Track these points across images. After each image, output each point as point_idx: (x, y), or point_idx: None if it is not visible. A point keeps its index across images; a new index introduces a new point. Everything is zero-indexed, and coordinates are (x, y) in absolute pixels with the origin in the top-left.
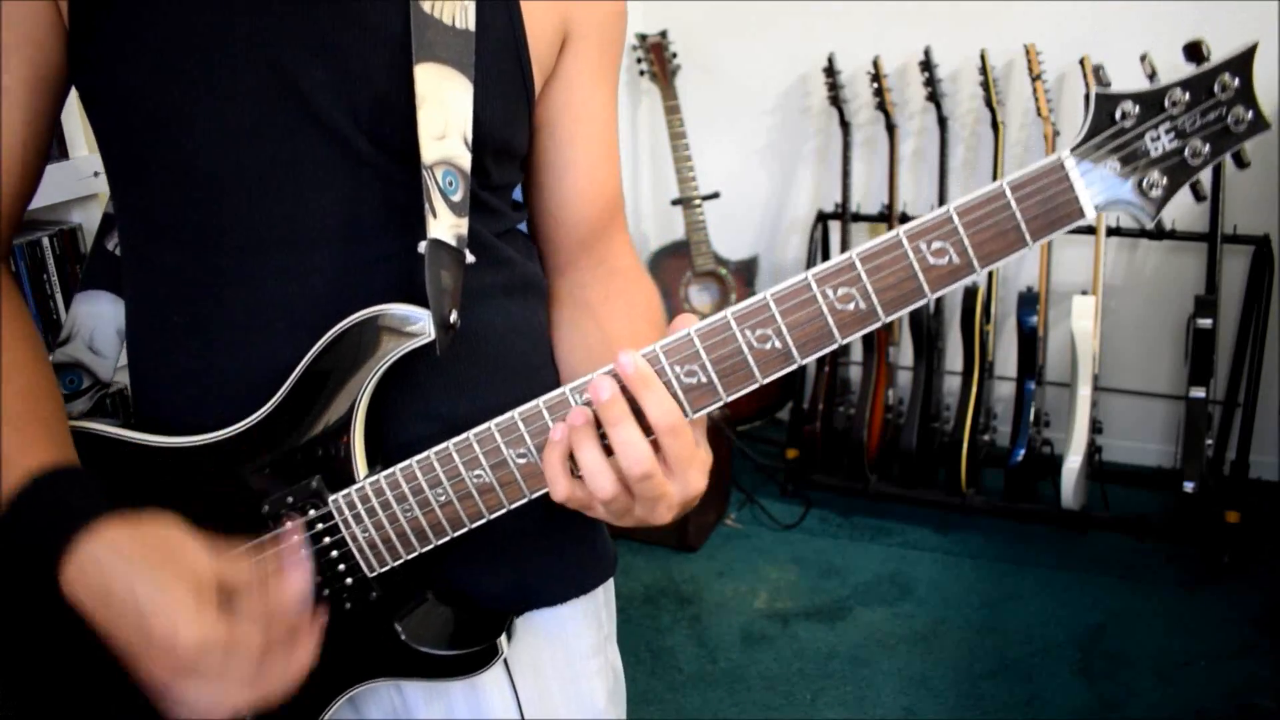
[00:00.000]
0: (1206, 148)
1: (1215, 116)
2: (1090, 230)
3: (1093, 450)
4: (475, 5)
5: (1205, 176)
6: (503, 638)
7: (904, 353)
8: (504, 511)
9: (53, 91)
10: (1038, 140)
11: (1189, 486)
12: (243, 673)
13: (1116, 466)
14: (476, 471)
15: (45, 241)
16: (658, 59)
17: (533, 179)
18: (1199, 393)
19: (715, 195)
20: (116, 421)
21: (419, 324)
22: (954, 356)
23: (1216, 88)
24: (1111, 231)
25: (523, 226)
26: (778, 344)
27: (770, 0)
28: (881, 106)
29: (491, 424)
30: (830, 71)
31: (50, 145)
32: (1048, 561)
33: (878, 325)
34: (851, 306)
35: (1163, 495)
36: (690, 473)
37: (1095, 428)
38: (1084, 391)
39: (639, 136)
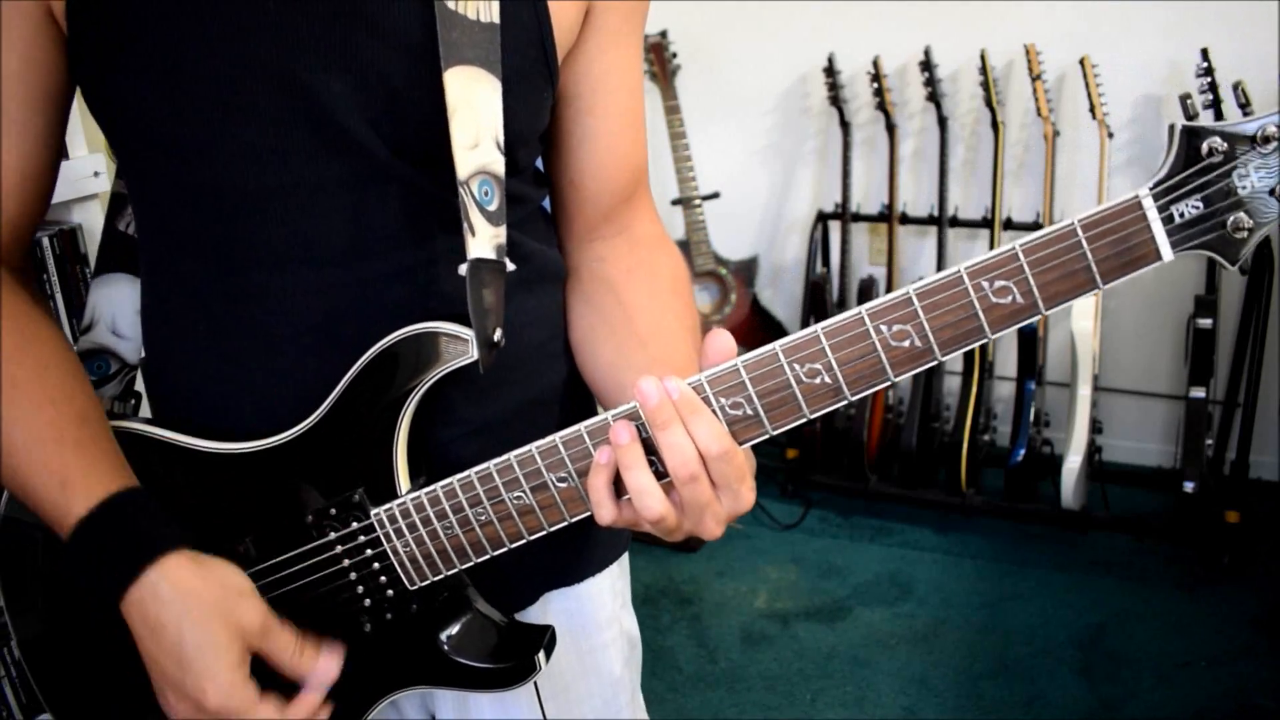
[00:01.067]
0: None
1: None
2: None
3: (1093, 450)
4: None
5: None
6: (540, 654)
7: None
8: (543, 534)
9: (55, 110)
10: (1038, 140)
11: (1189, 486)
12: None
13: (1116, 466)
14: (516, 493)
15: (45, 241)
16: (658, 59)
17: (553, 149)
18: (1199, 393)
19: (715, 195)
20: (158, 422)
21: (464, 343)
22: (954, 356)
23: None
24: None
25: (546, 204)
26: (827, 379)
27: (770, 0)
28: (881, 106)
29: (532, 446)
30: (830, 71)
31: (59, 162)
32: (1048, 561)
33: (933, 364)
34: (907, 344)
35: (1163, 495)
36: (741, 488)
37: (1095, 428)
38: (1084, 391)
39: None
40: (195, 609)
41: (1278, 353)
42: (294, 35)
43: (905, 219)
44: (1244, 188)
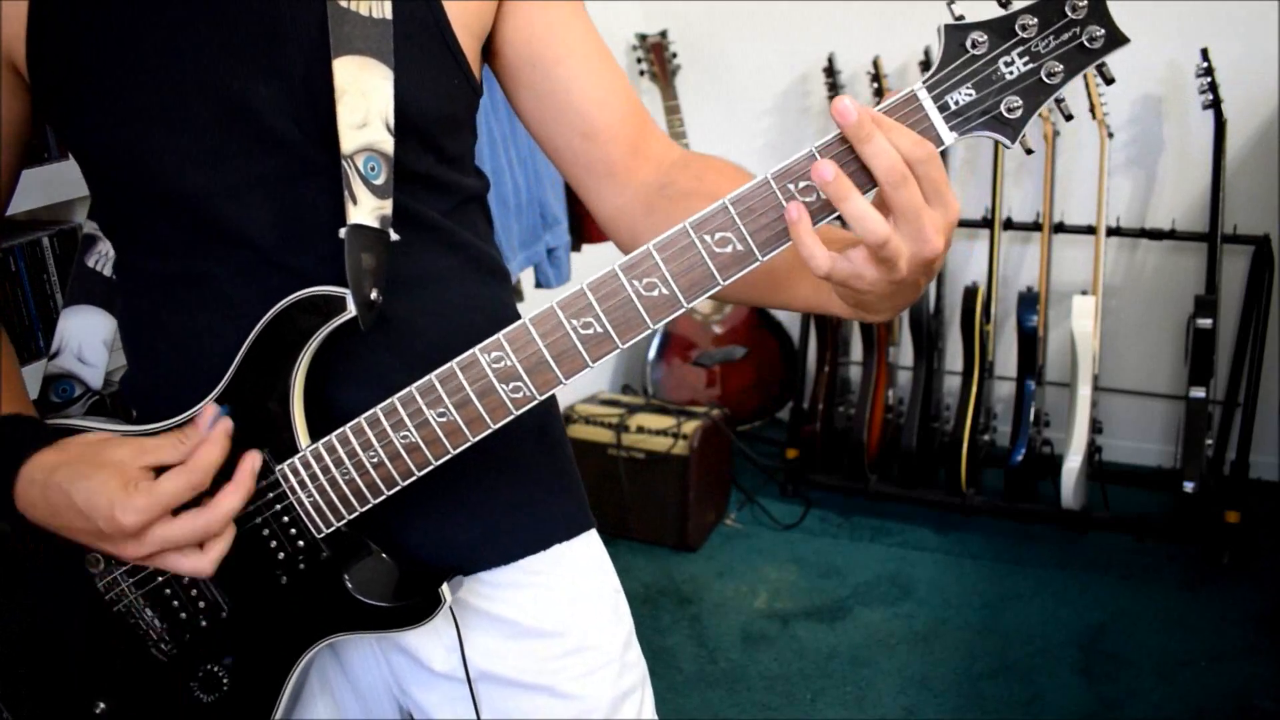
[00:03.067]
0: (1061, 66)
1: (1069, 36)
2: (1090, 230)
3: (1093, 450)
4: None
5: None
6: (444, 587)
7: (904, 353)
8: (430, 469)
9: (15, 149)
10: (1037, 140)
11: (1189, 486)
12: (187, 520)
13: (1116, 466)
14: (403, 432)
15: (45, 241)
16: (658, 59)
17: (545, 114)
18: (1199, 393)
19: None
20: (90, 418)
21: (343, 303)
22: (954, 356)
23: (1067, 8)
24: (1111, 231)
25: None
26: (664, 290)
27: (770, 0)
28: None
29: (412, 387)
30: (830, 71)
31: (13, 190)
32: (1048, 561)
33: (756, 264)
34: (729, 249)
35: (1163, 495)
36: (947, 193)
37: (1095, 428)
38: (1084, 391)
39: None
40: (66, 472)
41: (1278, 353)
42: (222, 49)
43: None
44: (1010, 73)
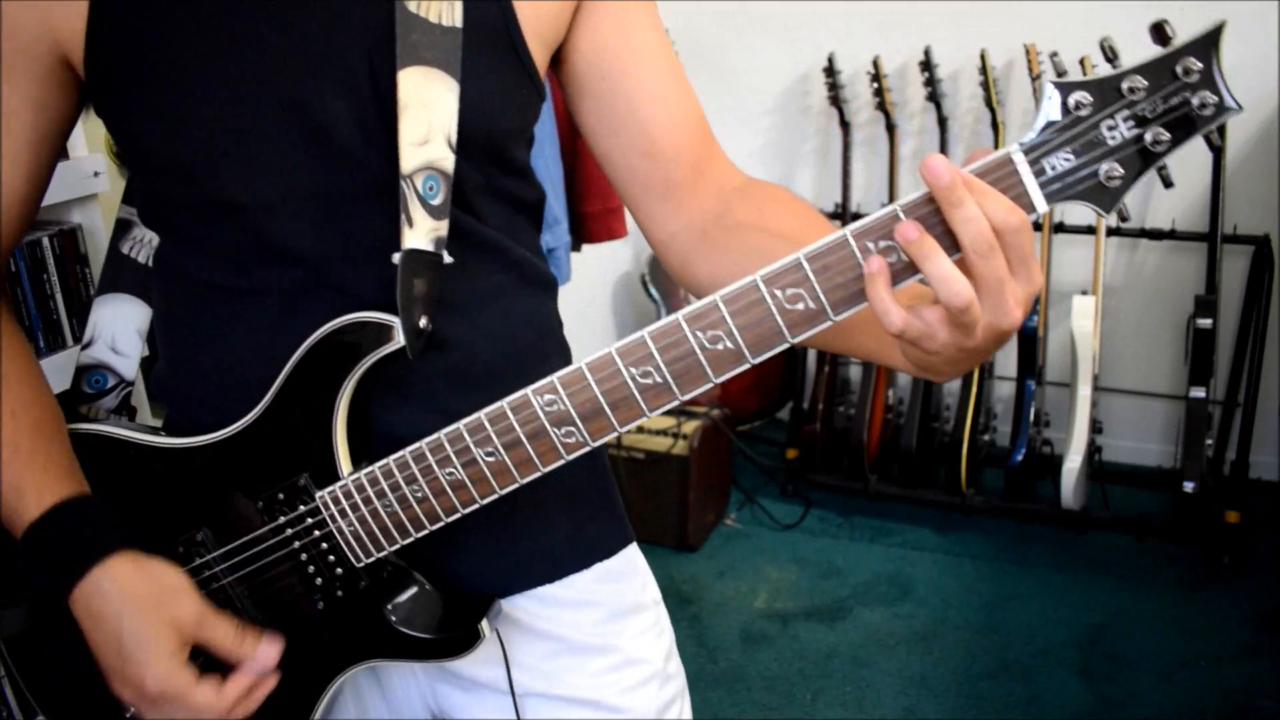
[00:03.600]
0: (1169, 135)
1: (1178, 101)
2: (1090, 230)
3: (1093, 450)
4: (463, 1)
5: (1173, 162)
6: (484, 622)
7: None
8: (476, 507)
9: (49, 150)
10: None
11: (1189, 486)
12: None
13: (1116, 466)
14: (449, 470)
15: (45, 241)
16: None
17: (607, 127)
18: (1199, 393)
19: None
20: (123, 423)
21: (391, 331)
22: None
23: (1179, 70)
24: (1111, 231)
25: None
26: (729, 344)
27: (770, 0)
28: (881, 106)
29: (460, 424)
30: (830, 71)
31: (44, 193)
32: (1048, 561)
33: (828, 324)
34: (800, 306)
35: (1163, 495)
36: (1033, 265)
37: (1095, 428)
38: (1084, 391)
39: None
40: (132, 604)
41: (1278, 353)
42: (291, 57)
43: None
44: (1112, 139)
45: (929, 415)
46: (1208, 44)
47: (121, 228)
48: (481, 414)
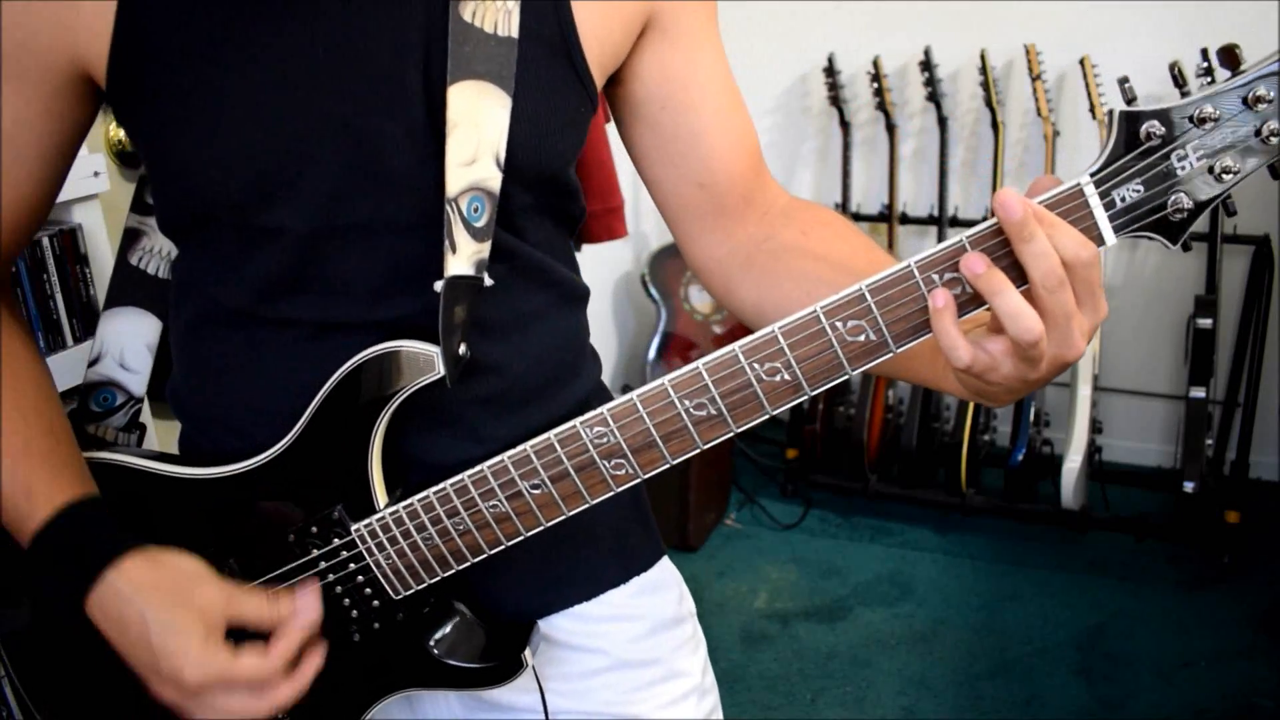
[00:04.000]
0: (1237, 164)
1: (1248, 131)
2: None
3: (1093, 450)
4: (520, 7)
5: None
6: (527, 651)
7: None
8: (520, 540)
9: (62, 159)
10: (1038, 140)
11: (1189, 486)
12: (245, 700)
13: (1116, 466)
14: (492, 502)
15: (45, 241)
16: None
17: (663, 156)
18: (1199, 393)
19: None
20: (141, 452)
21: (430, 360)
22: None
23: (1249, 98)
24: None
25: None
26: (787, 376)
27: (770, 0)
28: (881, 106)
29: (504, 456)
30: (830, 71)
31: (54, 201)
32: (1048, 562)
33: (889, 356)
34: (862, 338)
35: (1163, 495)
36: (1099, 295)
37: (1095, 428)
38: (1084, 391)
39: None
40: (154, 599)
41: (1278, 353)
42: (343, 78)
43: (905, 219)
44: (1182, 168)
45: (929, 415)
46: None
47: (130, 237)
48: (527, 446)
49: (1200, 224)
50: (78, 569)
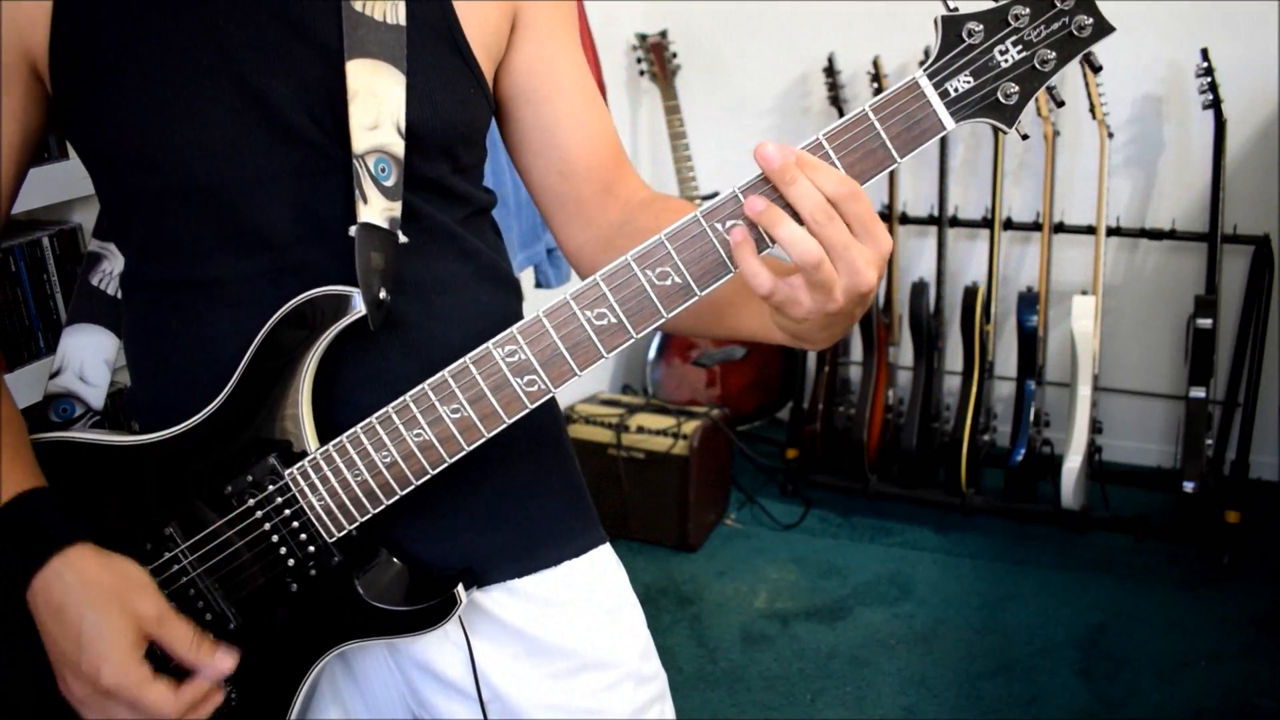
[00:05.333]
0: (1053, 54)
1: (1059, 25)
2: (1090, 230)
3: (1093, 450)
4: (406, 2)
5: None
6: (459, 588)
7: (904, 353)
8: (444, 466)
9: (29, 155)
10: (1037, 140)
11: (1189, 486)
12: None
13: (1116, 466)
14: (416, 430)
15: (45, 241)
16: (658, 59)
17: (528, 147)
18: (1199, 393)
19: (715, 195)
20: (87, 429)
21: (351, 303)
22: (954, 356)
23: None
24: (1112, 231)
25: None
26: (677, 279)
27: (770, 0)
28: None
29: (425, 384)
30: (830, 71)
31: (17, 194)
32: (1048, 561)
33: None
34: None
35: (1163, 495)
36: (875, 227)
37: (1095, 428)
38: (1084, 391)
39: (639, 136)
40: (95, 595)
41: (1278, 353)
42: (243, 45)
43: (905, 219)
44: (1005, 61)
45: (929, 415)
46: None
47: (92, 260)
48: (444, 372)
49: (1200, 224)
50: (26, 552)
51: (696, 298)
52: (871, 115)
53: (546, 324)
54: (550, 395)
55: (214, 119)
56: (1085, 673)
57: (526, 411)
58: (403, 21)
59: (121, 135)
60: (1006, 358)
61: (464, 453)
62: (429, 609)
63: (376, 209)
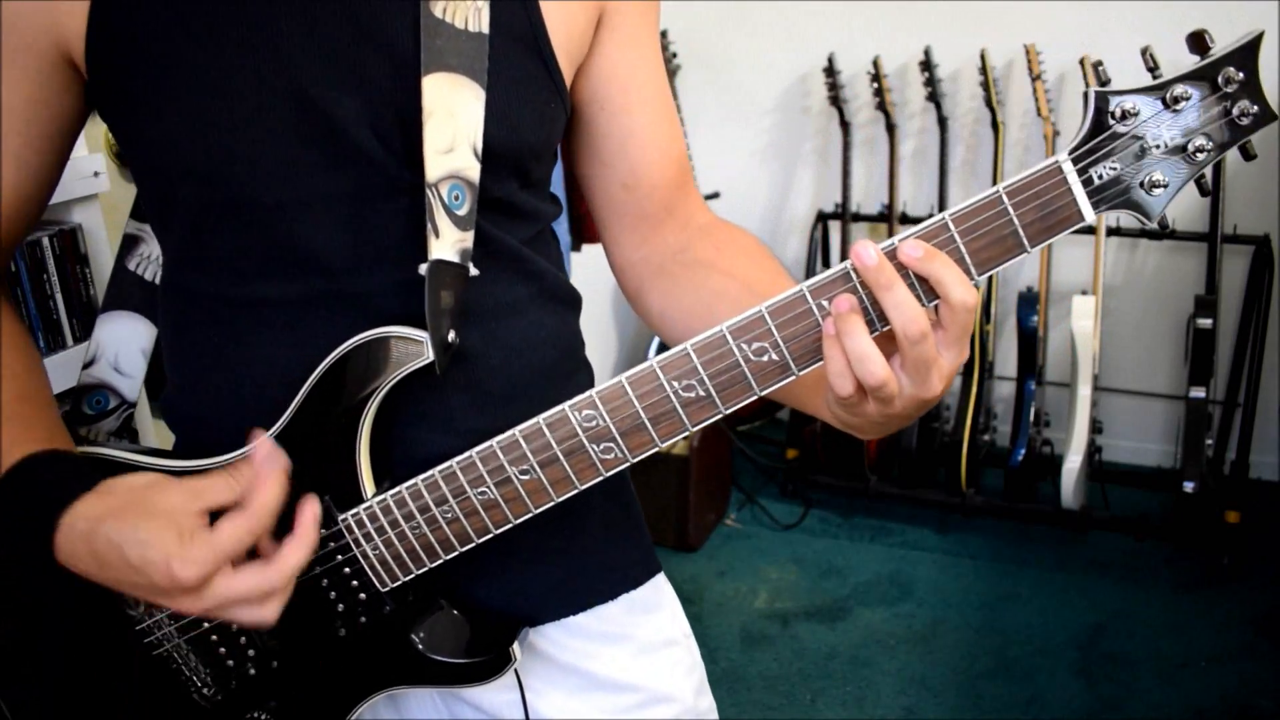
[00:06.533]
0: (1210, 143)
1: (1220, 110)
2: (1090, 230)
3: (1093, 450)
4: (489, 5)
5: (1208, 171)
6: (515, 645)
7: None
8: (510, 527)
9: (54, 150)
10: (1037, 140)
11: (1189, 486)
12: (252, 573)
13: (1116, 466)
14: (481, 489)
15: (45, 241)
16: None
17: (596, 155)
18: (1199, 393)
19: (715, 195)
20: (130, 446)
21: (420, 346)
22: None
23: (1220, 80)
24: (1111, 231)
25: (561, 231)
26: (774, 356)
27: (770, 0)
28: (881, 106)
29: (493, 442)
30: (830, 71)
31: (51, 194)
32: (1047, 561)
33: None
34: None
35: (1163, 495)
36: (965, 340)
37: (1095, 428)
38: (1084, 391)
39: None
40: (116, 523)
41: (1278, 353)
42: (306, 53)
43: (905, 219)
44: (1157, 147)
45: (929, 415)
46: (1248, 53)
47: (128, 243)
48: (516, 431)
49: (1200, 224)
50: (37, 516)
51: (793, 377)
52: (1005, 199)
53: (630, 392)
54: (628, 465)
55: (265, 131)
56: (1085, 673)
57: (600, 479)
58: (486, 29)
59: (162, 139)
60: (1006, 358)
61: (529, 516)
62: (483, 663)
63: (449, 242)
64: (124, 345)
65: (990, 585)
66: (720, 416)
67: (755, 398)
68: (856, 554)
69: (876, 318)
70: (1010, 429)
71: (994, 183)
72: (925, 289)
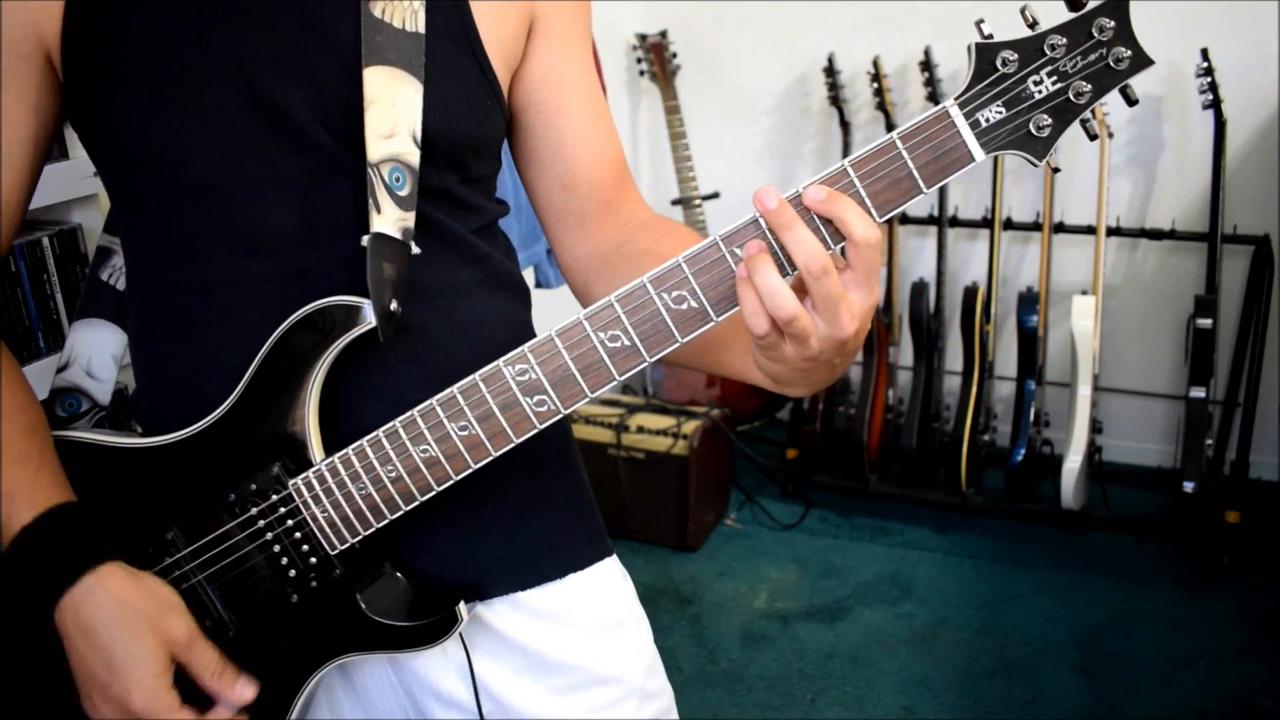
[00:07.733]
0: (1089, 86)
1: (1096, 57)
2: (1090, 230)
3: (1093, 450)
4: (425, 7)
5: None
6: (461, 605)
7: (904, 353)
8: (450, 483)
9: (45, 151)
10: None
11: (1189, 486)
12: None
13: (1116, 466)
14: (422, 446)
15: (45, 241)
16: (658, 59)
17: (534, 157)
18: (1199, 393)
19: (715, 195)
20: (91, 429)
21: (362, 314)
22: (954, 356)
23: (1094, 30)
24: (1111, 231)
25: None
26: (693, 304)
27: (770, 0)
28: (881, 106)
29: (433, 400)
30: (830, 71)
31: (30, 199)
32: (1047, 561)
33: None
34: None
35: (1163, 495)
36: (874, 280)
37: (1095, 428)
38: (1084, 391)
39: (639, 136)
40: (127, 616)
41: (1278, 353)
42: (256, 46)
43: (905, 219)
44: (1039, 92)
45: (929, 415)
46: (1119, 4)
47: (101, 255)
48: (453, 388)
49: (1200, 224)
50: (58, 569)
51: (713, 323)
52: (899, 144)
53: (559, 344)
54: (560, 416)
55: (220, 118)
56: (1085, 673)
57: (535, 432)
58: (422, 29)
59: (123, 128)
60: (1006, 358)
61: (470, 470)
62: (429, 625)
63: (390, 219)
64: (96, 351)
65: (990, 585)
66: (645, 365)
67: (677, 345)
68: (856, 554)
69: (786, 261)
70: (1010, 429)
71: (994, 183)
72: (831, 231)
